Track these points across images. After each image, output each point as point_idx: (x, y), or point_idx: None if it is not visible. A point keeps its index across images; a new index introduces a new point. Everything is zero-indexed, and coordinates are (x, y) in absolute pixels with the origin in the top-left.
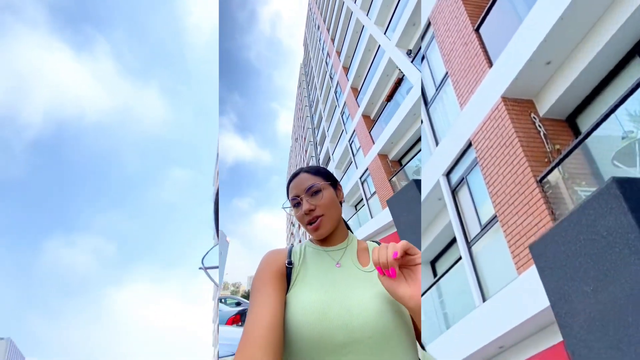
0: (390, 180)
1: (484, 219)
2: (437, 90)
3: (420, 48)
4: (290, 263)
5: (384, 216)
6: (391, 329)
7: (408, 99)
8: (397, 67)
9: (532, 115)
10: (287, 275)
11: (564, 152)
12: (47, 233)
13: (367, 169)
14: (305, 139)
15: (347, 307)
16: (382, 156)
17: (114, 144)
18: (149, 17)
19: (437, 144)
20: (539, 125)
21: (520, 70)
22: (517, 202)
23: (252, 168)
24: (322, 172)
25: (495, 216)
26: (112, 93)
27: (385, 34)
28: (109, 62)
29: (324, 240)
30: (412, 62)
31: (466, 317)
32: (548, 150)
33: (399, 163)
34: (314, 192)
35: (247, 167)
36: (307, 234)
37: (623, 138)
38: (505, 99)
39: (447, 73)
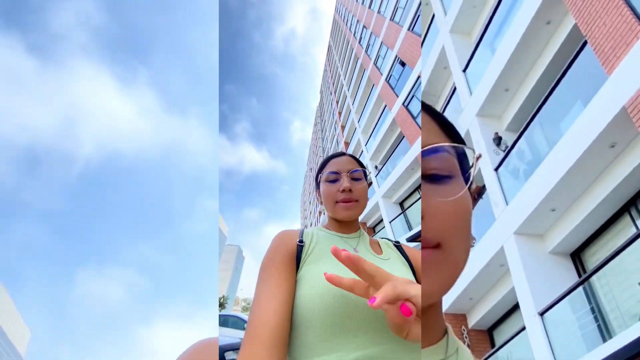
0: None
1: None
2: None
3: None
4: (301, 242)
5: None
6: None
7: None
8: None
9: (462, 327)
10: (298, 254)
11: None
12: (81, 263)
13: None
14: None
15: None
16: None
17: (155, 177)
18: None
19: None
20: (466, 337)
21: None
22: None
23: (265, 178)
24: (363, 166)
25: None
26: (156, 126)
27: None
28: (151, 93)
29: (339, 228)
30: (376, 176)
31: None
32: None
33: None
34: (356, 177)
35: (259, 177)
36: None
37: None
38: (445, 314)
39: None
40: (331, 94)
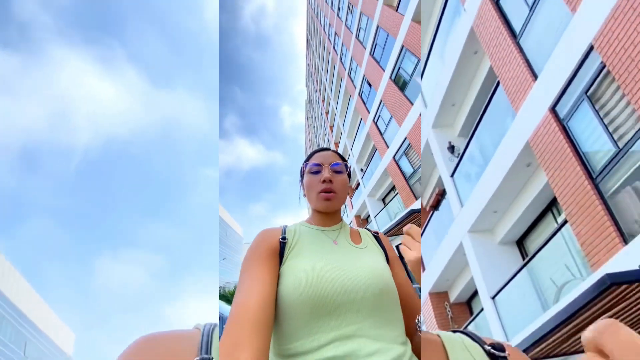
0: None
1: None
2: None
3: None
4: (284, 239)
5: None
6: (383, 291)
7: None
8: None
9: (445, 302)
10: (281, 250)
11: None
12: (96, 252)
13: None
14: None
15: (342, 271)
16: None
17: (154, 154)
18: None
19: None
20: (449, 310)
21: None
22: None
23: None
24: (345, 161)
25: None
26: (146, 102)
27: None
28: (134, 69)
29: (321, 221)
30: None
31: None
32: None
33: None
34: (337, 170)
35: (259, 172)
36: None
37: None
38: (430, 294)
39: None
40: (317, 91)
